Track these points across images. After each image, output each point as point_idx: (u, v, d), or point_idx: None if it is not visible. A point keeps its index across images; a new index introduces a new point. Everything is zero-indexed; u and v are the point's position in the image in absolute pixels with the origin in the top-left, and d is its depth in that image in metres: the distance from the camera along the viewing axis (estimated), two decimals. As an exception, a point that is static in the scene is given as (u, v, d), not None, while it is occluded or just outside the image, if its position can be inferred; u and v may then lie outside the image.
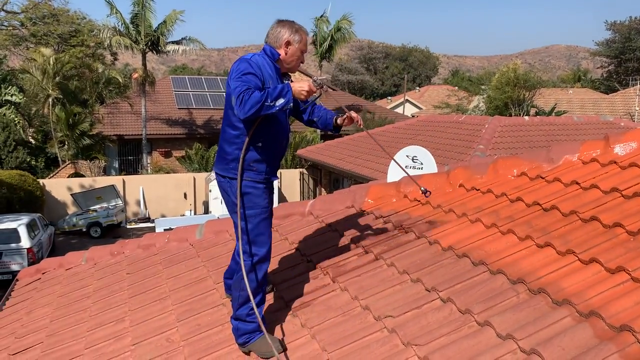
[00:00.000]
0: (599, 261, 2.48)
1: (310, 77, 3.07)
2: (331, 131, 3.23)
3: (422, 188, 3.39)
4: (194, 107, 29.31)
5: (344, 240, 3.73)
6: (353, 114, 3.02)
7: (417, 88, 57.28)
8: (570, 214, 3.00)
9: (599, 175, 3.29)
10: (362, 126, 3.25)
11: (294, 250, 3.84)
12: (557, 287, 2.41)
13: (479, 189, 3.75)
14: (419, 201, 3.93)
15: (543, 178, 3.55)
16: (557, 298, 2.35)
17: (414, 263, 3.07)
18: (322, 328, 2.77)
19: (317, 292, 3.15)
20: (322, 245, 3.75)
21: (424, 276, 2.89)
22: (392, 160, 3.42)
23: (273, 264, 3.57)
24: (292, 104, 2.68)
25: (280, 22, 2.92)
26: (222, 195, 2.97)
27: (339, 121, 3.10)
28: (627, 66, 52.05)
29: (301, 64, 3.03)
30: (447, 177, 4.05)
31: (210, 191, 18.38)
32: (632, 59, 51.45)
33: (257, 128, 2.77)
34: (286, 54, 2.90)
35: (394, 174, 6.99)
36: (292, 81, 2.85)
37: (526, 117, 15.97)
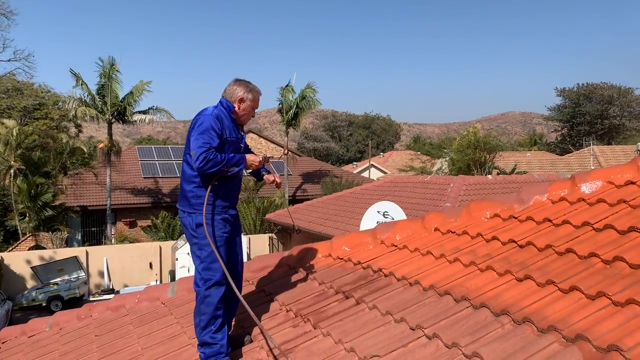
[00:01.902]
0: (579, 289, 2.51)
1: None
2: (258, 180, 3.67)
3: (295, 226, 3.89)
4: (160, 175, 29.14)
5: (322, 288, 3.68)
6: (271, 177, 3.48)
7: (381, 153, 58.54)
8: (545, 248, 3.06)
9: (569, 212, 3.39)
10: (279, 187, 3.78)
11: (272, 301, 3.75)
12: (541, 316, 2.42)
13: (454, 232, 3.79)
14: (396, 246, 3.95)
15: (516, 218, 3.63)
16: (542, 326, 2.35)
17: (396, 304, 3.04)
18: (307, 373, 2.67)
19: (299, 339, 3.07)
20: (301, 294, 3.68)
21: (408, 315, 2.86)
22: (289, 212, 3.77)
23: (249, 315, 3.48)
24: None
25: (237, 81, 3.33)
26: (184, 230, 3.31)
27: (264, 177, 3.52)
28: (579, 129, 54.76)
29: (252, 119, 3.51)
30: (422, 222, 4.10)
31: (177, 259, 17.95)
32: (583, 122, 54.26)
33: (218, 183, 3.19)
34: (239, 108, 3.29)
35: (366, 224, 7.02)
36: (247, 148, 3.50)
37: (489, 176, 16.45)
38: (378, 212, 8.68)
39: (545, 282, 2.70)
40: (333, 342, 2.90)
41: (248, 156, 3.26)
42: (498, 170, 27.69)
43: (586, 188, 3.58)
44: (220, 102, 3.29)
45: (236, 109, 3.28)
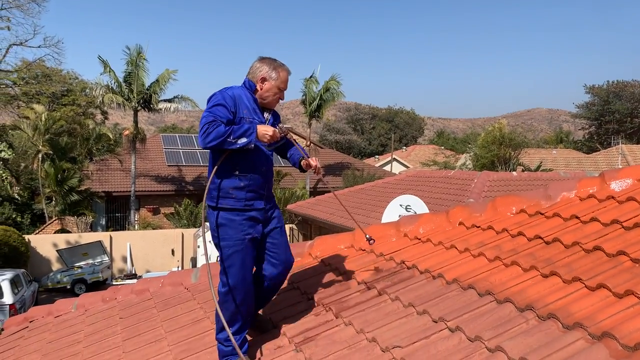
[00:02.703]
0: (607, 286, 2.48)
1: (301, 136, 3.36)
2: (300, 171, 3.34)
3: (367, 236, 3.31)
4: (184, 164, 29.43)
5: (345, 278, 3.70)
6: (312, 161, 3.14)
7: (404, 147, 58.26)
8: (572, 245, 3.02)
9: (597, 210, 3.34)
10: (320, 175, 3.26)
11: (294, 289, 3.78)
12: (567, 312, 2.39)
13: (479, 226, 3.76)
14: (419, 239, 3.93)
15: (542, 214, 3.58)
16: (567, 322, 2.33)
17: (419, 296, 3.03)
18: (329, 361, 2.69)
19: (321, 327, 3.09)
20: (323, 283, 3.70)
21: (430, 308, 2.85)
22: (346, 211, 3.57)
23: (272, 303, 3.51)
24: (267, 144, 2.97)
25: (261, 59, 3.05)
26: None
27: (302, 163, 3.19)
28: (607, 127, 53.64)
29: (280, 101, 3.11)
30: (446, 216, 4.08)
31: (198, 247, 18.16)
32: (612, 120, 53.11)
33: (233, 156, 2.88)
34: (261, 89, 3.00)
35: (388, 217, 7.00)
36: (279, 122, 3.14)
37: (514, 173, 16.23)
38: (400, 205, 8.65)
39: (571, 279, 2.67)
40: (355, 332, 2.92)
41: (259, 126, 2.84)
42: (523, 167, 27.34)
43: (616, 186, 3.52)
44: (244, 81, 3.05)
45: (258, 88, 3.00)
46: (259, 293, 3.17)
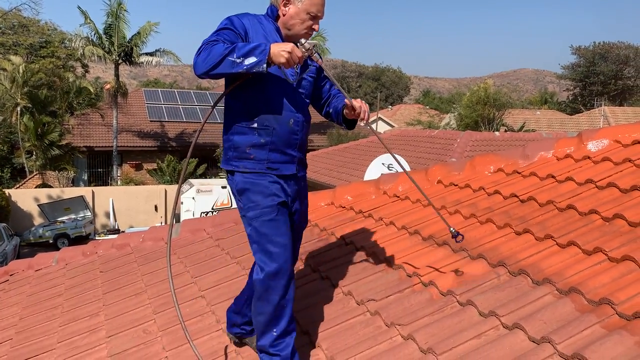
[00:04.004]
0: (577, 244, 2.54)
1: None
2: (344, 127, 2.56)
3: (452, 229, 2.54)
4: (167, 120, 29.06)
5: (323, 234, 3.74)
6: (356, 102, 2.37)
7: (390, 107, 57.98)
8: (547, 203, 3.07)
9: (573, 169, 3.38)
10: (366, 121, 2.36)
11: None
12: (537, 269, 2.46)
13: (457, 184, 3.81)
14: (398, 197, 3.97)
15: (519, 173, 3.63)
16: (537, 278, 2.39)
17: (396, 252, 3.08)
18: (306, 314, 2.74)
19: (298, 281, 3.12)
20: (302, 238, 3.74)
21: (406, 263, 2.91)
22: (407, 175, 2.72)
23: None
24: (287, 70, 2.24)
25: None
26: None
27: (345, 112, 2.45)
28: (591, 89, 53.83)
29: (314, 33, 2.37)
30: (425, 174, 4.11)
31: (182, 203, 18.16)
32: (596, 82, 53.27)
33: (251, 103, 2.26)
34: (284, 15, 2.31)
35: (370, 175, 7.04)
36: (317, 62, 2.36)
37: (496, 133, 16.32)
38: (383, 164, 8.69)
39: (543, 236, 2.73)
40: (331, 285, 2.97)
41: (274, 45, 2.07)
42: (506, 128, 27.47)
43: (592, 146, 3.56)
44: (267, 9, 2.39)
45: (280, 14, 2.32)
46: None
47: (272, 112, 2.27)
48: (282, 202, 2.31)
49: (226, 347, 2.67)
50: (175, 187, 21.48)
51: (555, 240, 2.65)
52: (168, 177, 24.07)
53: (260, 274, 2.24)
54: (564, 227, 2.75)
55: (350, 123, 2.53)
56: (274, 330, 2.26)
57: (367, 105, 2.41)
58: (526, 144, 3.90)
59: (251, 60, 2.04)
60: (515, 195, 3.29)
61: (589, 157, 3.46)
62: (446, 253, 2.93)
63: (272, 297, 2.23)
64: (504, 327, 2.17)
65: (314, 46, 2.26)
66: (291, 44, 2.11)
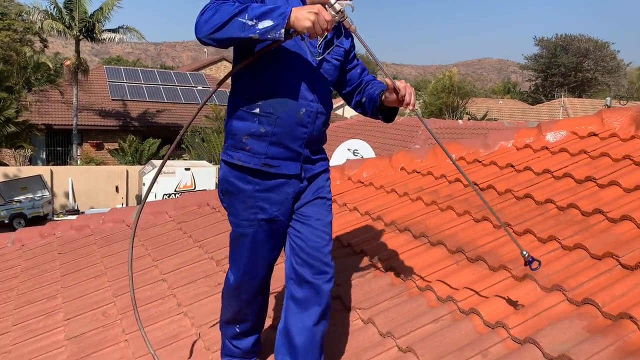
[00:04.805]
0: (532, 232, 2.63)
1: (364, 45, 1.95)
2: (381, 118, 2.13)
3: (524, 253, 2.03)
4: (129, 99, 28.37)
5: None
6: (400, 83, 1.94)
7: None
8: (505, 192, 3.16)
9: (531, 159, 3.48)
10: (413, 106, 1.94)
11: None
12: (495, 255, 2.53)
13: (419, 172, 3.87)
14: (362, 183, 4.01)
15: (480, 162, 3.71)
16: (494, 264, 2.47)
17: (357, 236, 3.12)
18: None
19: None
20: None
21: (368, 248, 2.95)
22: (451, 161, 2.34)
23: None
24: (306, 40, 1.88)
25: None
26: None
27: (385, 96, 2.03)
28: (552, 80, 55.12)
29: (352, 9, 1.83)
30: (389, 161, 4.16)
31: (143, 184, 17.85)
32: (557, 73, 54.55)
33: (257, 84, 1.90)
34: None
35: (335, 160, 7.08)
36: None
37: (460, 121, 16.59)
38: (348, 149, 8.74)
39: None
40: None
41: (296, 8, 1.72)
42: (469, 116, 27.94)
43: (551, 137, 3.66)
44: None
45: None
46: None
47: (281, 97, 1.89)
48: (266, 219, 1.97)
49: (186, 330, 2.66)
50: (137, 168, 21.09)
51: (512, 228, 2.73)
52: (130, 158, 23.58)
53: (229, 278, 2.15)
54: (520, 215, 2.84)
55: (388, 113, 2.12)
56: (236, 326, 2.19)
57: (411, 87, 1.96)
58: (487, 134, 3.98)
59: (266, 23, 1.66)
60: (475, 184, 3.37)
61: (547, 148, 3.56)
62: (407, 239, 2.98)
63: (233, 303, 2.16)
64: (460, 312, 2.24)
65: (346, 7, 1.78)
66: (318, 5, 1.74)
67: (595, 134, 3.53)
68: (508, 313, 2.10)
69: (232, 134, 1.96)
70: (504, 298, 2.19)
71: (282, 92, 1.89)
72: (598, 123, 3.60)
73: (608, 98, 26.01)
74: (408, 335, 2.15)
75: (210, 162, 18.52)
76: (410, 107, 1.92)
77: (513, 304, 2.16)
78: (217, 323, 2.57)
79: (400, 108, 2.08)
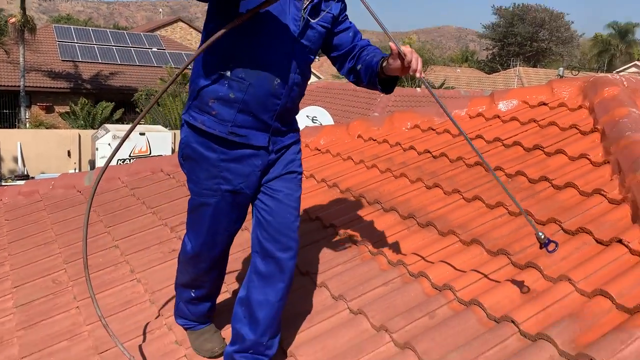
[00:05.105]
0: (481, 198, 2.71)
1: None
2: (380, 89, 2.00)
3: (540, 234, 1.88)
4: (80, 60, 27.25)
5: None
6: (405, 48, 1.80)
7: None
8: (457, 159, 3.23)
9: (483, 128, 3.56)
10: (420, 72, 1.80)
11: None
12: (444, 220, 2.61)
13: (375, 139, 3.90)
14: (319, 150, 4.02)
15: (434, 130, 3.77)
16: (443, 229, 2.54)
17: (314, 204, 3.15)
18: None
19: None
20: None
21: (323, 214, 2.99)
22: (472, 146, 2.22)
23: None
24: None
25: None
26: None
27: (388, 63, 1.86)
28: (509, 49, 55.98)
29: None
30: (346, 129, 4.17)
31: (97, 149, 17.34)
32: (514, 43, 55.40)
33: (233, 46, 1.76)
34: None
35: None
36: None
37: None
38: (307, 116, 8.71)
39: (451, 190, 2.88)
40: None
41: None
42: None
43: (503, 106, 3.74)
44: None
45: None
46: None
47: (256, 64, 1.75)
48: (230, 190, 1.87)
49: (140, 296, 2.65)
50: (90, 132, 20.45)
51: (462, 195, 2.81)
52: (82, 122, 22.80)
53: (186, 245, 2.07)
54: (470, 182, 2.92)
55: (388, 83, 1.98)
56: (193, 291, 2.14)
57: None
58: (442, 102, 4.04)
59: None
60: (429, 151, 3.43)
61: (498, 117, 3.64)
62: (361, 205, 3.03)
63: (189, 269, 2.10)
64: (410, 275, 2.31)
65: None
66: None
67: (545, 104, 3.62)
68: (455, 276, 2.18)
69: (198, 94, 1.82)
70: (449, 264, 2.27)
71: (257, 58, 1.75)
72: (548, 93, 3.70)
73: (561, 68, 26.68)
74: (359, 298, 2.20)
75: (166, 127, 18.13)
76: (418, 74, 1.77)
77: (460, 267, 2.24)
78: (171, 287, 2.57)
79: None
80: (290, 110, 1.92)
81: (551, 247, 1.86)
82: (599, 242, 2.17)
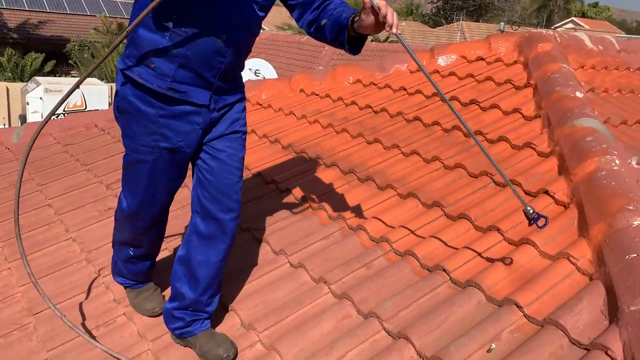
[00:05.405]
0: (419, 153, 2.77)
1: None
2: (347, 49, 1.82)
3: (529, 208, 1.81)
4: (4, 6, 25.37)
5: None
6: (380, 2, 1.64)
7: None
8: (397, 114, 3.27)
9: (423, 83, 3.60)
10: (396, 28, 1.66)
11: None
12: (383, 175, 2.65)
13: (318, 94, 3.88)
14: (261, 105, 3.96)
15: (375, 85, 3.78)
16: (382, 183, 2.59)
17: (255, 160, 3.13)
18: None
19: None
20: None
21: (264, 171, 2.98)
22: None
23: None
24: None
25: None
26: None
27: (360, 19, 1.70)
28: (453, 3, 56.23)
29: None
30: (288, 83, 4.12)
31: (27, 104, 16.42)
32: (457, -3, 55.60)
33: None
34: None
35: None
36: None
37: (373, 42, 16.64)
38: (249, 69, 8.53)
39: (391, 145, 2.92)
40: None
41: None
42: (372, 38, 28.06)
43: (442, 61, 3.79)
44: None
45: None
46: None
47: (201, 19, 1.63)
48: (169, 148, 1.77)
49: (75, 255, 2.59)
50: (19, 85, 19.29)
51: (400, 150, 2.86)
52: (9, 74, 21.42)
53: (122, 203, 1.97)
54: (409, 137, 2.97)
55: (356, 42, 1.82)
56: (131, 250, 2.07)
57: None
58: (384, 56, 4.04)
59: None
60: (370, 107, 3.45)
61: (438, 72, 3.68)
62: (303, 161, 3.03)
63: (129, 229, 2.02)
64: (349, 228, 2.36)
65: None
66: None
67: (482, 59, 3.69)
68: (392, 228, 2.24)
69: (136, 43, 1.67)
70: (387, 217, 2.32)
71: (203, 13, 1.63)
72: (485, 48, 3.76)
73: (502, 23, 27.17)
74: (300, 252, 2.24)
75: (102, 80, 17.34)
76: (394, 30, 1.65)
77: (398, 219, 2.30)
78: (108, 246, 2.52)
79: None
80: (235, 69, 1.83)
81: (541, 222, 1.79)
82: (527, 193, 2.28)
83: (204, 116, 1.78)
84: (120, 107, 1.80)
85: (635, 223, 1.81)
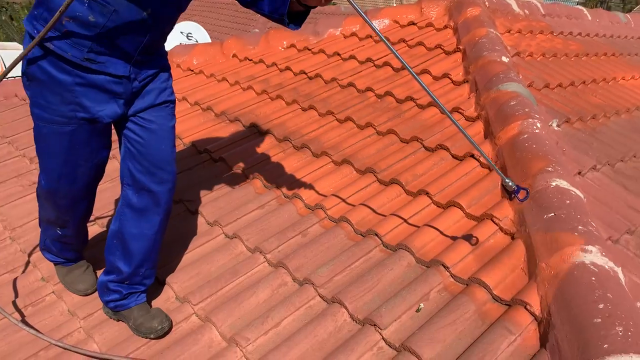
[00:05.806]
0: (353, 119, 2.79)
1: None
2: (287, 23, 1.72)
3: (509, 182, 1.88)
4: None
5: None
6: None
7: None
8: (331, 81, 3.26)
9: (357, 48, 3.60)
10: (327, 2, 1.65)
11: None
12: (318, 142, 2.66)
13: (251, 59, 3.80)
14: (192, 71, 3.85)
15: (310, 50, 3.75)
16: (317, 151, 2.60)
17: (188, 129, 3.05)
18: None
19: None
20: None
21: (198, 140, 2.91)
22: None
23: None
24: None
25: None
26: None
27: None
28: (389, -35, 56.03)
29: None
30: (220, 48, 4.01)
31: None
32: (393, -42, 55.43)
33: None
34: None
35: (167, 45, 6.62)
36: None
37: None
38: (181, 32, 8.21)
39: (325, 112, 2.93)
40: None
41: None
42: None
43: (375, 25, 3.78)
44: None
45: None
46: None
47: None
48: (88, 119, 1.67)
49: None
50: None
51: (335, 116, 2.87)
52: None
53: (40, 180, 1.86)
54: (343, 103, 2.98)
55: (298, 15, 1.73)
56: (58, 229, 1.98)
57: None
58: (317, 20, 4.00)
59: None
60: (304, 72, 3.42)
61: (371, 37, 3.69)
62: (237, 128, 2.99)
63: (52, 207, 1.92)
64: (284, 197, 2.36)
65: None
66: None
67: (414, 23, 3.73)
68: (327, 196, 2.26)
69: (48, 6, 1.52)
70: (322, 185, 2.35)
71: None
72: (417, 12, 3.80)
73: (437, -14, 27.39)
74: (235, 222, 2.23)
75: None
76: (326, 3, 1.59)
77: (331, 186, 2.33)
78: (34, 222, 2.42)
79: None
80: (158, 42, 1.74)
81: (522, 195, 1.78)
82: (454, 157, 2.36)
83: (125, 86, 1.68)
84: (31, 74, 1.63)
85: (554, 184, 1.92)
